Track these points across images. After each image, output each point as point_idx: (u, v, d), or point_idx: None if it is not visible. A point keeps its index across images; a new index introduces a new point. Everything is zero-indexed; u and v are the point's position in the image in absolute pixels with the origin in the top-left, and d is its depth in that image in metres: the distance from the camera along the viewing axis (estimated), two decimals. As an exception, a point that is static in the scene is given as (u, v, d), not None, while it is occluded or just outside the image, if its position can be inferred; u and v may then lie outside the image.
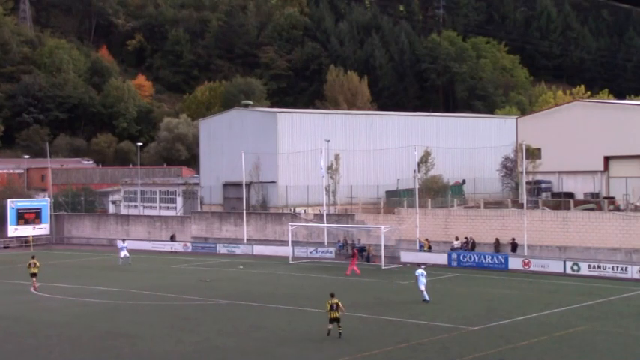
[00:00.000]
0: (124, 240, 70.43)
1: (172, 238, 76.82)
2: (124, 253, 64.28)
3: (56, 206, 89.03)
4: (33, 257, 52.91)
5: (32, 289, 50.38)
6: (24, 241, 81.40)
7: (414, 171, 65.50)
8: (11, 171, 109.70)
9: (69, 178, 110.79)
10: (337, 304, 33.72)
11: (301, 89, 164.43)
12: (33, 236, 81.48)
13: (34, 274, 51.28)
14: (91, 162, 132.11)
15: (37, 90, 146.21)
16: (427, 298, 42.29)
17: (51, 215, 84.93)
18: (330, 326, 33.76)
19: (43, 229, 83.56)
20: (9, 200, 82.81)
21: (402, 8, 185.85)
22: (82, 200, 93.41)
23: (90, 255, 73.90)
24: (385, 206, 69.09)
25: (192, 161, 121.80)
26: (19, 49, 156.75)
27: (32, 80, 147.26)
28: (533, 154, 67.32)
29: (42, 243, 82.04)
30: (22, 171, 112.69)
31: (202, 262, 64.84)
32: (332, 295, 34.21)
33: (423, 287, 42.58)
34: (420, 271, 43.19)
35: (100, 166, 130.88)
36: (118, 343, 33.94)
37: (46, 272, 59.61)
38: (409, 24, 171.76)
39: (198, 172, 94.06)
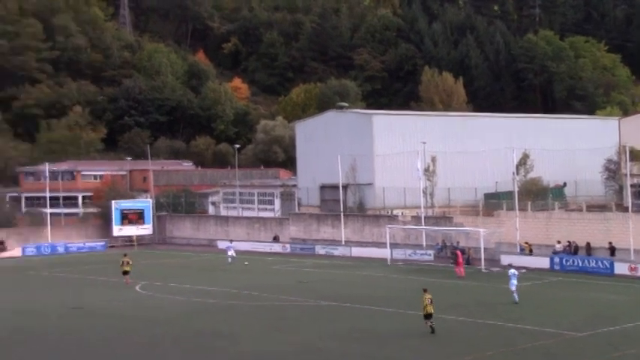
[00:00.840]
0: (231, 241, 72.78)
1: (275, 239, 77.63)
2: (230, 253, 65.60)
3: (158, 207, 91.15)
4: (125, 255, 55.60)
5: (126, 284, 53.06)
6: (128, 241, 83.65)
7: (513, 173, 64.57)
8: (115, 173, 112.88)
9: (169, 180, 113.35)
10: (431, 300, 34.64)
11: (396, 90, 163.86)
12: (136, 236, 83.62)
13: (126, 272, 53.80)
14: (190, 164, 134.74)
15: (137, 93, 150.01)
16: (516, 299, 42.08)
17: (153, 216, 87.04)
18: (429, 323, 34.42)
19: (146, 229, 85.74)
20: (113, 201, 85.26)
21: (496, 8, 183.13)
22: (183, 201, 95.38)
23: (190, 255, 75.42)
24: (484, 209, 68.27)
25: (288, 163, 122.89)
26: (119, 53, 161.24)
27: (132, 84, 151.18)
28: (638, 156, 65.44)
29: (145, 243, 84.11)
30: (124, 173, 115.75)
31: (301, 264, 65.35)
32: (425, 291, 35.09)
33: (513, 288, 42.43)
34: (512, 271, 43.00)
35: (199, 167, 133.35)
36: (220, 342, 34.53)
37: (149, 271, 61.30)
38: (504, 23, 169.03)
39: (295, 174, 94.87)
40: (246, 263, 64.86)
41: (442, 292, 44.36)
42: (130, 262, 54.73)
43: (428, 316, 34.68)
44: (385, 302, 43.88)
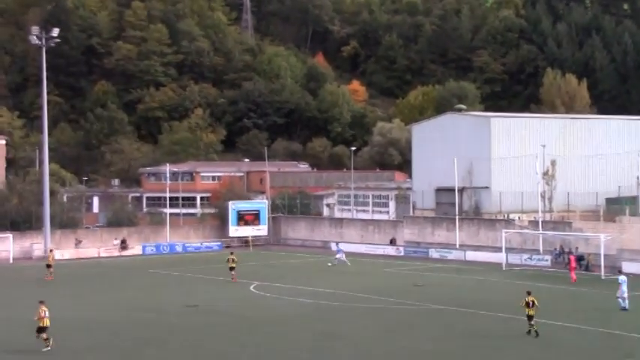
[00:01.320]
0: (337, 243, 73.13)
1: (392, 242, 77.51)
2: (339, 256, 66.15)
3: (273, 208, 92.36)
4: (232, 253, 58.14)
5: (232, 280, 55.25)
6: (244, 241, 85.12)
7: (637, 177, 62.35)
8: (232, 174, 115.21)
9: (285, 181, 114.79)
10: (533, 302, 34.64)
11: (516, 93, 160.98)
12: (252, 237, 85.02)
13: (232, 268, 55.95)
14: (306, 165, 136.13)
15: (256, 96, 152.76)
16: (626, 306, 41.12)
17: (269, 217, 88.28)
18: (532, 324, 34.48)
19: (261, 230, 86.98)
20: (230, 202, 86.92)
21: (626, 7, 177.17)
22: (298, 203, 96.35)
23: (305, 256, 76.10)
24: (605, 214, 66.20)
25: (404, 165, 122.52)
26: (240, 57, 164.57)
27: (252, 87, 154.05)
28: None
29: (260, 244, 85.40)
30: (242, 174, 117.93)
31: (415, 267, 65.03)
32: (528, 293, 35.33)
33: (624, 295, 41.40)
34: (621, 278, 42.08)
35: (315, 169, 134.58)
36: (336, 343, 34.68)
37: (263, 272, 62.25)
38: (634, 23, 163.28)
39: (410, 177, 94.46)
40: (329, 264, 65.72)
41: (558, 299, 43.29)
42: (236, 259, 56.86)
43: (530, 318, 34.95)
44: (500, 307, 43.13)
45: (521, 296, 44.75)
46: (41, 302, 33.85)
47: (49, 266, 59.58)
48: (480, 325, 38.28)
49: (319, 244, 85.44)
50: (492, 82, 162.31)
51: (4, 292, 52.61)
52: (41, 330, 33.26)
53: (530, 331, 34.85)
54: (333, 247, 69.75)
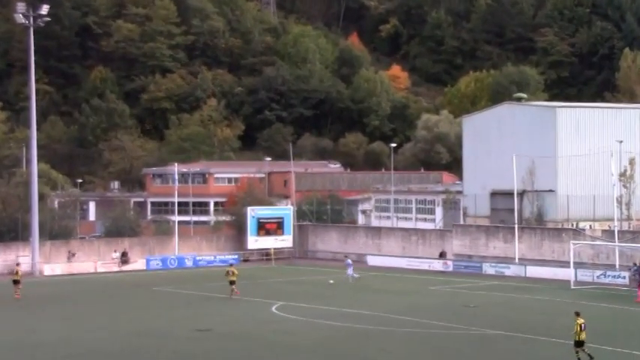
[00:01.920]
0: (345, 256, 74.18)
1: (442, 256, 77.40)
2: (350, 271, 66.88)
3: (299, 215, 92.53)
4: (231, 265, 62.55)
5: (231, 296, 57.58)
6: (264, 254, 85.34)
7: None
8: (252, 175, 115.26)
9: (314, 184, 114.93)
10: (584, 325, 35.01)
11: (587, 79, 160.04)
12: (274, 249, 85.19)
13: (232, 282, 58.42)
14: (338, 165, 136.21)
15: (279, 84, 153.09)
16: None
17: (294, 225, 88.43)
18: (579, 351, 34.88)
19: (285, 240, 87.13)
20: (249, 208, 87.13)
21: None
22: (328, 209, 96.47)
23: (336, 272, 76.06)
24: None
25: (454, 165, 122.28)
26: (261, 38, 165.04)
27: (275, 73, 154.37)
28: None
29: (284, 257, 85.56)
30: (263, 175, 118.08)
31: (466, 284, 64.84)
32: (577, 314, 35.71)
33: None
34: None
35: (349, 169, 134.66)
36: (368, 374, 34.73)
37: (288, 290, 62.39)
38: None
39: (461, 178, 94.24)
40: (331, 282, 66.50)
41: (636, 324, 42.93)
42: (236, 272, 59.17)
43: (579, 344, 35.08)
44: (566, 333, 42.78)
45: (594, 320, 44.33)
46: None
47: (16, 282, 60.00)
48: (543, 354, 38.05)
49: (353, 257, 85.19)
50: (559, 66, 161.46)
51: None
52: None
53: (579, 359, 34.97)
54: (347, 261, 70.03)
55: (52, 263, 76.97)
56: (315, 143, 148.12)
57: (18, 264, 65.89)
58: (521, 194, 76.17)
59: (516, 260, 71.43)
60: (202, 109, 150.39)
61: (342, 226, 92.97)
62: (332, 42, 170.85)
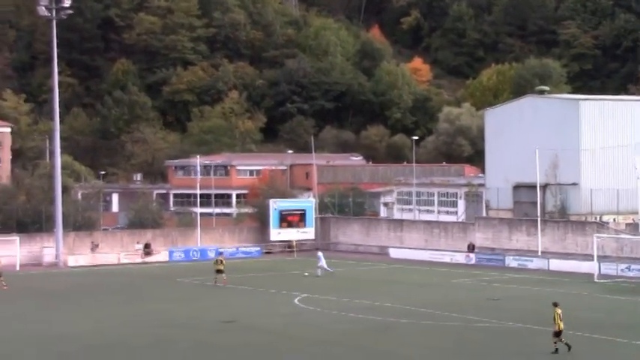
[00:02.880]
0: (317, 249, 75.83)
1: (470, 248, 77.14)
2: (320, 264, 66.64)
3: (321, 208, 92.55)
4: (221, 254, 65.72)
5: (215, 284, 59.99)
6: (287, 246, 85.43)
7: None
8: (273, 167, 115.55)
9: (335, 176, 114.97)
10: (562, 315, 35.97)
11: (610, 72, 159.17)
12: (296, 241, 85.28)
13: (219, 271, 60.42)
14: (359, 158, 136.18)
15: (301, 76, 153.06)
16: None
17: (316, 218, 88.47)
18: (557, 341, 35.71)
19: (307, 232, 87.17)
20: (271, 200, 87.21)
21: None
22: (350, 201, 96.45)
23: (358, 264, 76.13)
24: None
25: (476, 158, 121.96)
26: (282, 30, 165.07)
27: (296, 65, 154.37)
28: None
29: (306, 249, 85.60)
30: (284, 167, 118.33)
31: (489, 277, 64.70)
32: (555, 305, 36.37)
33: None
34: None
35: (370, 162, 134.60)
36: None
37: (310, 282, 62.39)
38: None
39: (483, 171, 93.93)
40: (305, 274, 66.62)
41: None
42: (224, 262, 61.61)
43: (558, 334, 35.85)
44: (590, 327, 42.64)
45: (618, 314, 44.09)
46: None
47: None
48: (564, 347, 37.85)
49: (375, 249, 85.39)
50: (582, 58, 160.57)
51: (7, 305, 53.44)
52: None
53: (557, 350, 35.70)
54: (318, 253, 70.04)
55: (75, 254, 77.35)
56: (337, 136, 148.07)
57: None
58: (544, 187, 75.87)
59: (539, 253, 71.23)
60: (224, 101, 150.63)
61: (364, 219, 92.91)
62: (353, 34, 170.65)
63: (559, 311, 35.91)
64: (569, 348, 35.67)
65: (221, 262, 61.33)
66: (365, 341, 39.86)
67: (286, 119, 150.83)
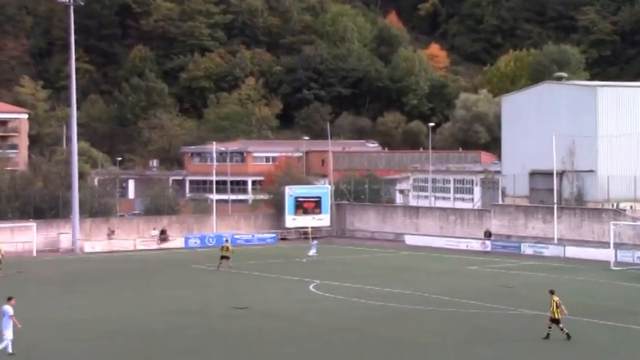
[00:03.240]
0: (314, 238, 76.42)
1: (487, 235, 76.92)
2: (312, 252, 66.87)
3: (337, 194, 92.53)
4: (227, 241, 65.61)
5: (218, 269, 60.87)
6: (302, 233, 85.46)
7: None
8: (290, 154, 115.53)
9: (351, 163, 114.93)
10: (559, 303, 36.03)
11: (629, 58, 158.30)
12: (312, 228, 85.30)
13: (224, 257, 61.36)
14: (376, 144, 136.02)
15: (318, 63, 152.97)
16: None
17: (332, 204, 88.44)
18: (552, 327, 35.96)
19: (322, 219, 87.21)
20: (287, 187, 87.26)
21: None
22: (366, 188, 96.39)
23: (374, 251, 76.10)
24: None
25: (492, 145, 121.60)
26: (299, 17, 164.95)
27: (313, 52, 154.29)
28: None
29: (321, 235, 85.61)
30: (300, 154, 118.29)
31: (504, 264, 64.52)
32: (552, 293, 36.69)
33: None
34: None
35: (386, 149, 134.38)
36: (405, 353, 34.63)
37: (325, 269, 62.42)
38: None
39: (499, 158, 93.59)
40: (304, 260, 66.52)
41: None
42: (230, 248, 62.67)
43: (555, 321, 36.12)
44: (606, 314, 42.52)
45: (633, 301, 43.91)
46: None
47: None
48: (582, 335, 37.75)
49: (391, 236, 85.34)
50: (600, 44, 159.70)
51: (24, 291, 53.62)
52: None
53: (548, 335, 36.15)
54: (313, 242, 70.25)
55: (92, 240, 77.60)
56: (353, 122, 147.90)
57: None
58: (561, 174, 75.55)
59: (555, 241, 71.02)
60: (241, 88, 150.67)
61: (379, 206, 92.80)
62: (370, 21, 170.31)
63: (556, 299, 36.05)
64: (569, 337, 35.73)
65: (227, 248, 62.06)
66: (381, 328, 39.76)
67: (303, 106, 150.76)
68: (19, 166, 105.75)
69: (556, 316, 35.91)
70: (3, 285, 51.19)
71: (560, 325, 35.88)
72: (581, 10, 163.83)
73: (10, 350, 33.18)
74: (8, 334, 33.31)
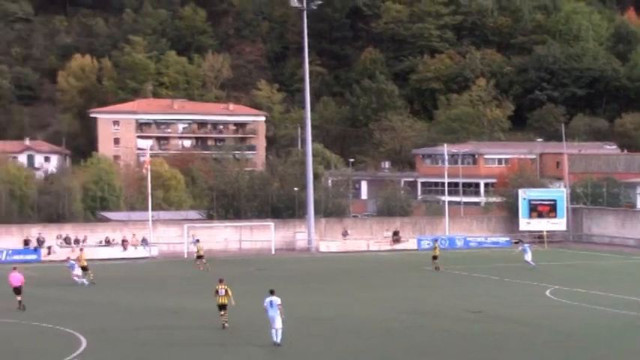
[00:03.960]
0: (520, 240, 74.17)
1: None
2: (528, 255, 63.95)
3: (573, 198, 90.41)
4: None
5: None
6: (537, 237, 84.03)
7: None
8: (522, 156, 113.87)
9: (588, 166, 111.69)
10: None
11: None
12: (547, 232, 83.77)
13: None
14: (614, 146, 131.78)
15: (550, 62, 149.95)
16: None
17: (567, 208, 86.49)
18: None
19: (558, 223, 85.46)
20: (520, 190, 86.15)
21: None
22: (604, 192, 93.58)
23: (613, 257, 73.76)
24: None
25: None
26: (531, 16, 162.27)
27: (545, 51, 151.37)
28: None
29: (557, 240, 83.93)
30: (534, 156, 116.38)
31: None
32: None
33: None
34: None
35: (626, 151, 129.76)
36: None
37: (562, 274, 61.17)
38: None
39: None
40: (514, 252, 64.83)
41: None
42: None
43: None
44: None
45: None
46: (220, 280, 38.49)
47: (84, 269, 55.79)
48: None
49: (632, 242, 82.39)
50: None
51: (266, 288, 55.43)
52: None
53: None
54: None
55: (326, 240, 79.34)
56: (589, 124, 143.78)
57: (81, 249, 62.00)
58: None
59: None
60: (471, 89, 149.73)
61: (619, 210, 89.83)
62: (606, 18, 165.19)
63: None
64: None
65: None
66: (620, 338, 38.10)
67: (535, 107, 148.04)
68: (257, 167, 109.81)
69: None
70: (250, 282, 53.52)
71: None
72: None
73: (277, 340, 35.21)
74: (278, 323, 35.38)
